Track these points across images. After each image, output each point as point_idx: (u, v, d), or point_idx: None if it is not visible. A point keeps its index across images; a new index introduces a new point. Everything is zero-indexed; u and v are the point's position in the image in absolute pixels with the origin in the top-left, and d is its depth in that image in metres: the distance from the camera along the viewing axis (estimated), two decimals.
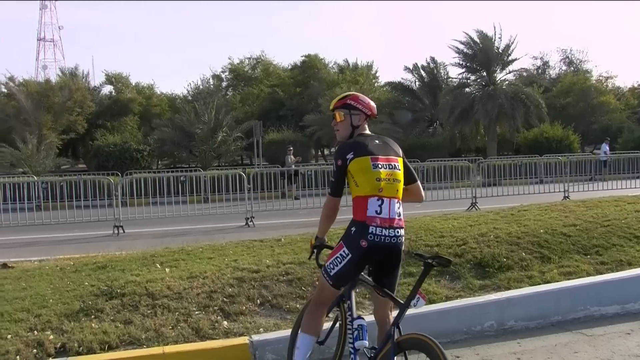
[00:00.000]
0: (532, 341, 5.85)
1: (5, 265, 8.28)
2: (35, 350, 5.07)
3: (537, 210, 9.61)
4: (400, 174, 4.19)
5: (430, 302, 6.21)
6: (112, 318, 5.62)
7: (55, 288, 6.44)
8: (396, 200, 4.09)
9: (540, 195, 18.15)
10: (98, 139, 36.47)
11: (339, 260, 4.06)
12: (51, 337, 5.23)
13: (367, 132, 4.38)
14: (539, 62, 52.81)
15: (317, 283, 4.48)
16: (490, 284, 6.73)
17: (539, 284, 6.67)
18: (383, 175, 4.07)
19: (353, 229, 4.03)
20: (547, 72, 52.83)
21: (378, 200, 4.01)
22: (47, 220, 15.75)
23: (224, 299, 6.08)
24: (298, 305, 6.04)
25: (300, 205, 17.03)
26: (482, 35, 39.45)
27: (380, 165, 4.09)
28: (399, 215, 4.08)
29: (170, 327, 5.54)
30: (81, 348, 5.14)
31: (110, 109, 43.26)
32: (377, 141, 4.25)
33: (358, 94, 4.45)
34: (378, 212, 3.99)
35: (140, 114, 44.30)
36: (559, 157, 23.05)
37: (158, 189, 17.76)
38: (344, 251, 4.04)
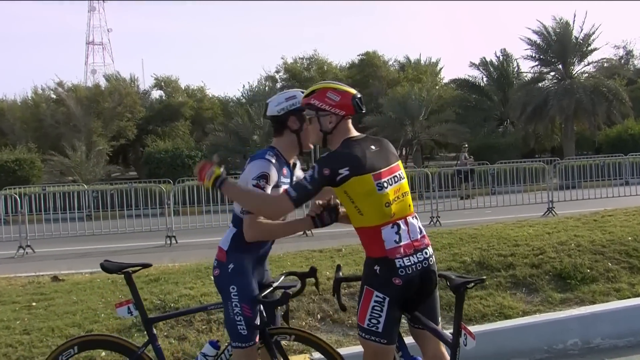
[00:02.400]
0: None
1: (56, 278, 8.51)
2: None
3: (623, 215, 9.27)
4: (406, 184, 3.65)
5: (505, 317, 6.07)
6: (165, 334, 5.68)
7: (107, 302, 6.56)
8: (412, 217, 3.58)
9: (626, 198, 17.56)
10: (149, 145, 37.33)
11: (379, 309, 3.48)
12: (103, 353, 5.31)
13: (353, 133, 3.66)
14: (621, 52, 51.24)
15: None
16: (573, 298, 6.52)
17: (629, 297, 6.42)
18: (392, 196, 3.49)
19: (377, 267, 3.48)
20: (630, 63, 51.19)
21: (393, 227, 3.47)
22: (97, 230, 16.19)
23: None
24: None
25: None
26: (560, 23, 38.54)
27: (385, 184, 3.48)
28: (421, 232, 3.60)
29: (227, 344, 5.56)
30: None
31: (160, 114, 44.25)
32: (372, 146, 3.59)
33: (330, 85, 3.67)
34: (397, 241, 3.46)
35: (192, 118, 45.16)
36: None
37: (212, 197, 18.00)
38: (377, 296, 3.48)
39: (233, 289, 3.87)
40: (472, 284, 3.53)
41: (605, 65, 40.69)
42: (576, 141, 38.58)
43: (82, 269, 10.24)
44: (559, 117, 37.16)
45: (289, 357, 4.82)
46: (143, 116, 42.66)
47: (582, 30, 38.13)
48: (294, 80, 49.27)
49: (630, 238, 7.72)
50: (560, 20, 38.68)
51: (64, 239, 15.75)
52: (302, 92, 3.86)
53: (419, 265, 3.50)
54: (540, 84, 39.85)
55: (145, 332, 4.34)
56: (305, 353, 5.21)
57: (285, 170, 3.89)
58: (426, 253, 3.56)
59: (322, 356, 4.17)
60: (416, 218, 3.63)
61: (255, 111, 36.51)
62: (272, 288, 4.00)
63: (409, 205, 3.60)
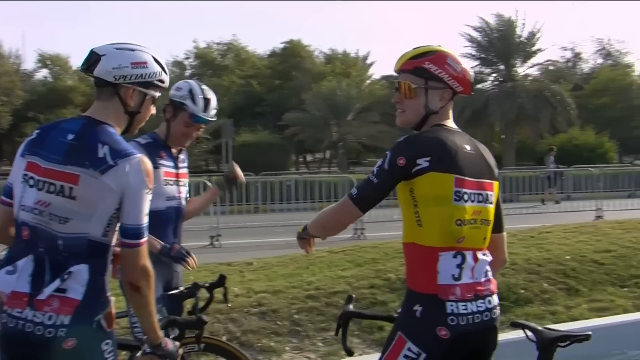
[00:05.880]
0: None
1: None
2: None
3: (562, 233, 9.64)
4: (492, 211, 3.05)
5: None
6: None
7: None
8: (482, 252, 2.99)
9: (567, 214, 18.11)
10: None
11: None
12: None
13: (451, 124, 3.12)
14: (569, 54, 53.04)
15: None
16: (505, 321, 6.68)
17: (565, 321, 6.61)
18: (468, 215, 2.91)
19: (418, 308, 2.87)
20: (578, 66, 53.15)
21: (456, 256, 2.89)
22: None
23: None
24: (272, 344, 6.00)
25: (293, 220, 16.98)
26: (502, 21, 39.63)
27: (466, 196, 2.90)
28: (487, 274, 2.98)
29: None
30: None
31: (44, 99, 43.04)
32: (467, 147, 3.01)
33: (449, 51, 3.12)
34: (457, 277, 2.86)
35: (83, 105, 44.00)
36: (591, 169, 23.19)
37: None
38: (410, 350, 2.85)
39: None
40: (569, 342, 3.06)
41: (550, 68, 42.05)
42: (517, 150, 39.63)
43: None
44: (499, 122, 38.15)
45: None
46: (22, 101, 41.31)
47: (524, 26, 39.32)
48: (206, 68, 48.95)
49: (568, 257, 8.04)
50: (501, 17, 39.75)
51: None
52: (189, 83, 4.19)
53: (478, 317, 2.89)
54: (480, 86, 40.77)
55: None
56: None
57: (163, 153, 4.11)
58: (489, 302, 2.96)
59: None
60: (488, 256, 3.03)
61: (160, 100, 35.89)
62: (177, 291, 4.15)
63: (484, 239, 3.03)
